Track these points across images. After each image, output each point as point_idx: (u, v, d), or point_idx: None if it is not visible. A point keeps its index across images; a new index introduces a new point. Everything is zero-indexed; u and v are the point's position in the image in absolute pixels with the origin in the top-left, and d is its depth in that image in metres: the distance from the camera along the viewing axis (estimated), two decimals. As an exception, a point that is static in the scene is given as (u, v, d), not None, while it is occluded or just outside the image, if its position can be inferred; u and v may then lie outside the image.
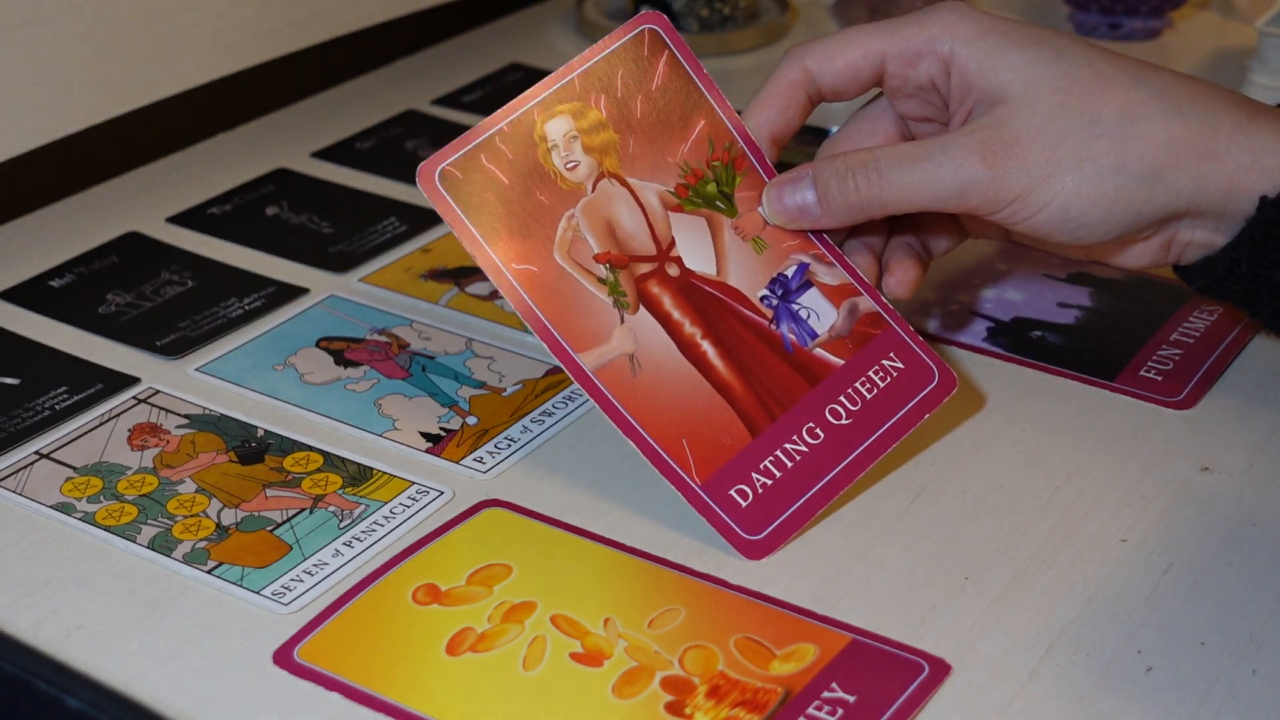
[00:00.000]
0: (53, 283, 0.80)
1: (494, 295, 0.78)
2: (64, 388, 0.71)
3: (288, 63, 0.94)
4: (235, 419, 0.69)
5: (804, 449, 0.62)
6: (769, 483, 0.61)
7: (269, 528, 0.62)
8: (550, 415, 0.68)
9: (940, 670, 0.55)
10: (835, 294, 0.65)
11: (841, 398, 0.63)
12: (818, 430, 0.63)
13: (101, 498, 0.64)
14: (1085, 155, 0.60)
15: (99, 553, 0.61)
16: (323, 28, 0.94)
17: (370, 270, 0.81)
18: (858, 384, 0.64)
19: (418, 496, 0.64)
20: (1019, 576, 0.59)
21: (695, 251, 0.64)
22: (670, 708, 0.53)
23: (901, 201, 0.62)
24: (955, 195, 0.61)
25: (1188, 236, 0.63)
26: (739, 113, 0.66)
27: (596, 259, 0.63)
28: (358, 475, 0.65)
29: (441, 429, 0.68)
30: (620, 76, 0.64)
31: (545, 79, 0.64)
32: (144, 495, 0.64)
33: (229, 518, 0.63)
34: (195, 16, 0.86)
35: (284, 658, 0.56)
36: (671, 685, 0.54)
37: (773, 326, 0.64)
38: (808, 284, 0.65)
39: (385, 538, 0.61)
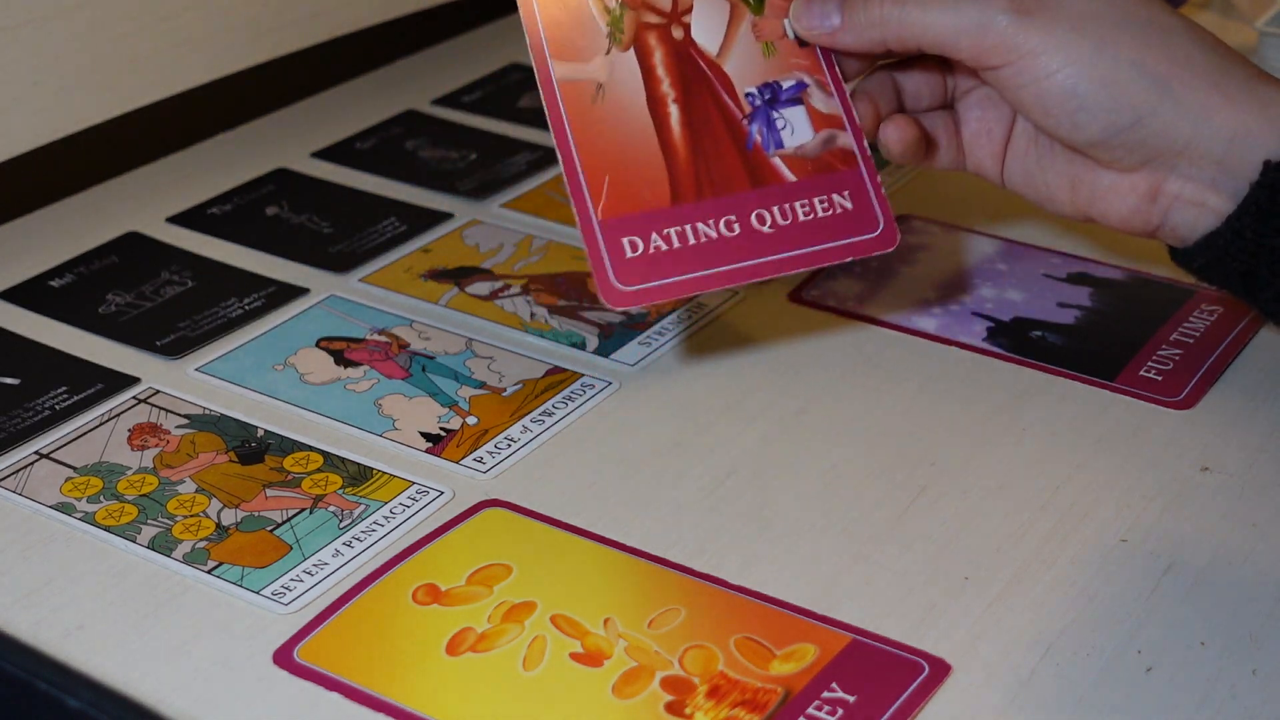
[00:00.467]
0: (53, 283, 0.80)
1: (494, 295, 0.78)
2: (64, 388, 0.71)
3: (288, 63, 0.94)
4: (235, 419, 0.69)
5: (713, 235, 0.63)
6: (663, 248, 0.62)
7: (269, 528, 0.62)
8: (550, 415, 0.68)
9: (940, 670, 0.55)
10: (821, 120, 0.66)
11: (775, 208, 0.64)
12: (735, 224, 0.63)
13: (101, 498, 0.64)
14: (1108, 39, 0.61)
15: (99, 553, 0.61)
16: (323, 28, 0.94)
17: (370, 270, 0.81)
18: (798, 203, 0.64)
19: (418, 496, 0.64)
20: (1019, 576, 0.59)
21: (706, 27, 0.65)
22: (670, 708, 0.53)
23: (922, 26, 0.62)
24: (973, 30, 0.62)
25: (1178, 188, 0.62)
26: None
27: None
28: (358, 475, 0.65)
29: (441, 429, 0.68)
30: None
31: None
32: (144, 495, 0.64)
33: (229, 518, 0.63)
34: (195, 16, 0.86)
35: (284, 658, 0.56)
36: (671, 685, 0.54)
37: (744, 122, 0.65)
38: (798, 100, 0.66)
39: (385, 538, 0.61)
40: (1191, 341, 0.73)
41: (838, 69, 0.67)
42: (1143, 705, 0.53)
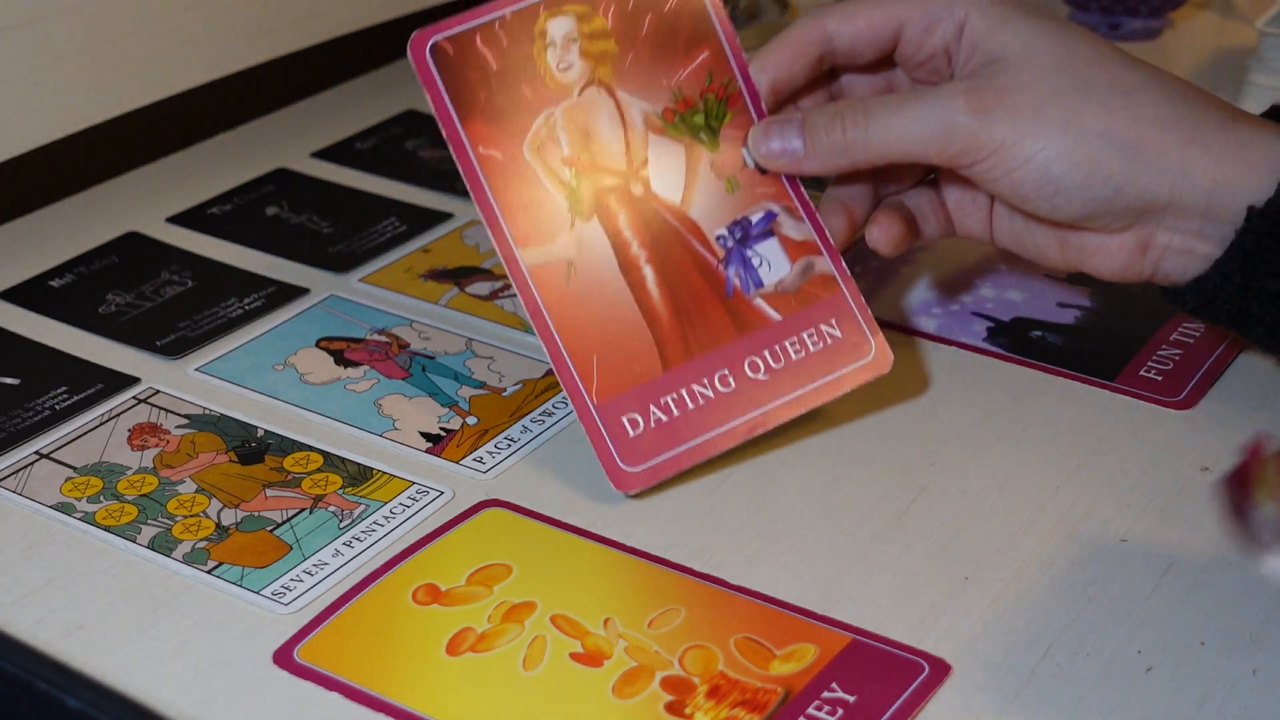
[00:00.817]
0: (53, 283, 0.80)
1: (494, 295, 0.77)
2: (64, 388, 0.71)
3: (288, 63, 0.94)
4: (235, 419, 0.69)
5: (710, 394, 0.62)
6: (664, 419, 0.62)
7: (269, 528, 0.62)
8: (550, 415, 0.68)
9: (940, 670, 0.55)
10: (795, 249, 0.65)
11: (766, 352, 0.63)
12: (730, 379, 0.62)
13: (101, 498, 0.64)
14: (1072, 116, 0.60)
15: (99, 553, 0.61)
16: (323, 28, 0.94)
17: (370, 270, 0.81)
18: (787, 342, 0.63)
19: (418, 496, 0.64)
20: (1019, 576, 0.59)
21: (665, 177, 0.64)
22: (670, 708, 0.53)
23: (886, 144, 0.62)
24: (938, 138, 0.61)
25: (1166, 240, 0.62)
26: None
27: (564, 161, 0.63)
28: (358, 475, 0.65)
29: (441, 429, 0.68)
30: None
31: None
32: (144, 495, 0.64)
33: (229, 518, 0.63)
34: (195, 16, 0.86)
35: (284, 658, 0.56)
36: (671, 685, 0.54)
37: (720, 267, 0.64)
38: (770, 233, 0.65)
39: (385, 538, 0.61)
40: (1191, 341, 0.73)
41: (803, 190, 0.66)
42: (1143, 705, 0.53)
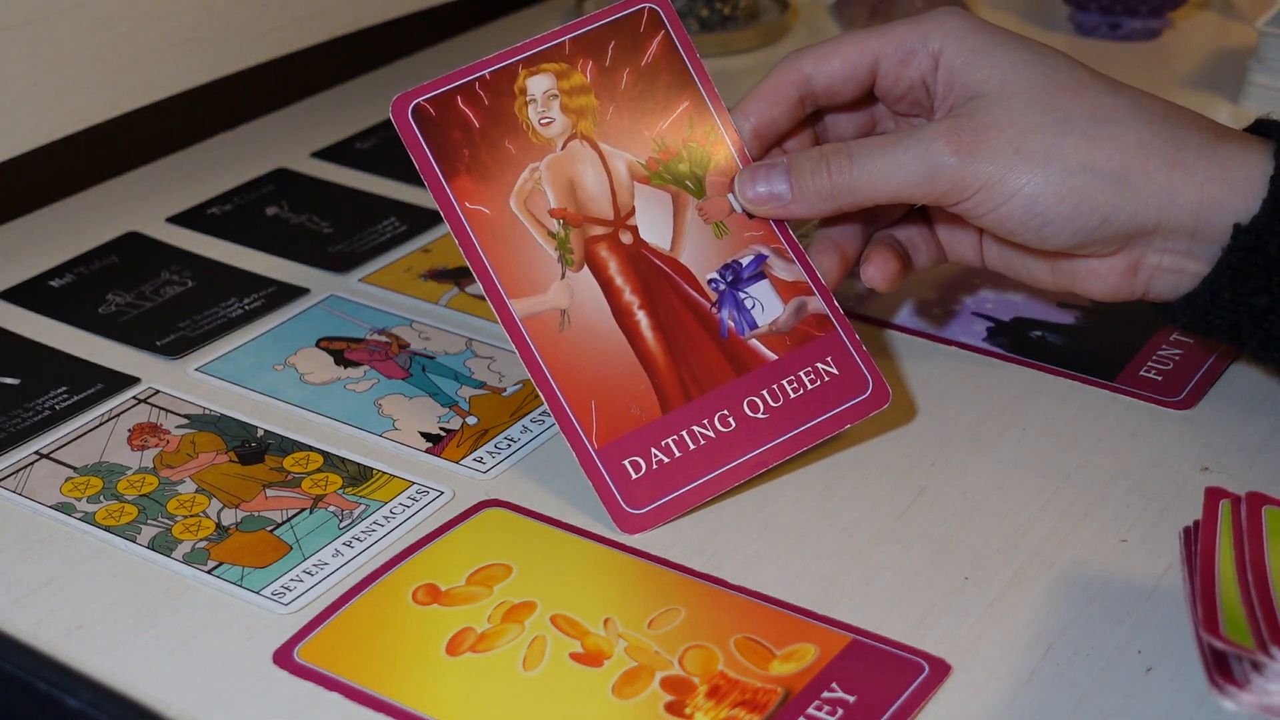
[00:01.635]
0: (53, 283, 0.80)
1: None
2: (64, 388, 0.71)
3: (288, 63, 0.94)
4: (235, 419, 0.69)
5: (711, 434, 0.62)
6: (666, 460, 0.62)
7: (269, 528, 0.62)
8: (550, 415, 0.68)
9: (940, 670, 0.55)
10: (787, 290, 0.65)
11: (764, 391, 0.63)
12: (730, 419, 0.63)
13: (101, 498, 0.64)
14: (1054, 150, 0.60)
15: (99, 553, 0.61)
16: (323, 28, 0.94)
17: (370, 270, 0.81)
18: (785, 381, 0.64)
19: (418, 496, 0.64)
20: (1019, 576, 0.59)
21: (653, 224, 0.65)
22: (670, 708, 0.53)
23: (872, 187, 0.62)
24: (923, 180, 0.61)
25: (1156, 260, 0.63)
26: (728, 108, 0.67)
27: (551, 213, 0.64)
28: (358, 475, 0.65)
29: (441, 429, 0.68)
30: (612, 47, 0.65)
31: (538, 37, 0.65)
32: (144, 495, 0.64)
33: (229, 518, 0.63)
34: (195, 16, 0.86)
35: (284, 658, 0.56)
36: (671, 685, 0.54)
37: (713, 310, 0.64)
38: (761, 275, 0.65)
39: (385, 538, 0.61)
40: (1191, 341, 0.73)
41: (790, 232, 0.66)
42: (1143, 705, 0.53)
